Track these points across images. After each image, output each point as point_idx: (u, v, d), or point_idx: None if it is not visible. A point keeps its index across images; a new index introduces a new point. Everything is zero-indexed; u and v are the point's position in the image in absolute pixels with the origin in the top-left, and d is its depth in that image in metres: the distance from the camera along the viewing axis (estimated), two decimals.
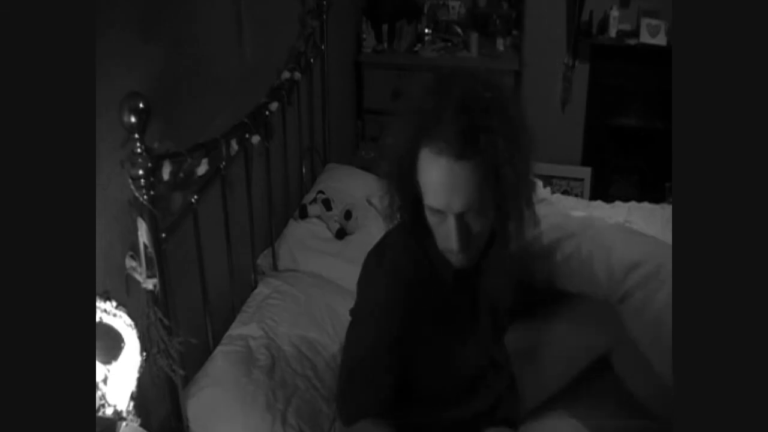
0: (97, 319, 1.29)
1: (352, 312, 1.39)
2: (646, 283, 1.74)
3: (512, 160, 1.12)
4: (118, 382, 1.33)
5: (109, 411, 1.31)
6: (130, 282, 1.49)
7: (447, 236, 1.17)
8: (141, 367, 1.38)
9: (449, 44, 3.60)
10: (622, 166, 3.81)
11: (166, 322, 1.48)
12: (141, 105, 1.31)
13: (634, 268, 1.76)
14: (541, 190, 2.37)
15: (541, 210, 2.03)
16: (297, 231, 2.46)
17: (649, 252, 1.79)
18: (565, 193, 3.56)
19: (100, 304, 1.31)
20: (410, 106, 1.17)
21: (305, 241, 2.42)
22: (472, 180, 1.11)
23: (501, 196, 1.16)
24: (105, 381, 1.30)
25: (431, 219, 1.19)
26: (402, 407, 1.40)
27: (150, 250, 1.45)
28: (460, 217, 1.15)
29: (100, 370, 1.29)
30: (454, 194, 1.12)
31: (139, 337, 1.38)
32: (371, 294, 1.33)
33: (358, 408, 1.31)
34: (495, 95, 1.14)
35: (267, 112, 2.11)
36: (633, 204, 2.72)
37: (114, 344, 1.32)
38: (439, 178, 1.12)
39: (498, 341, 1.55)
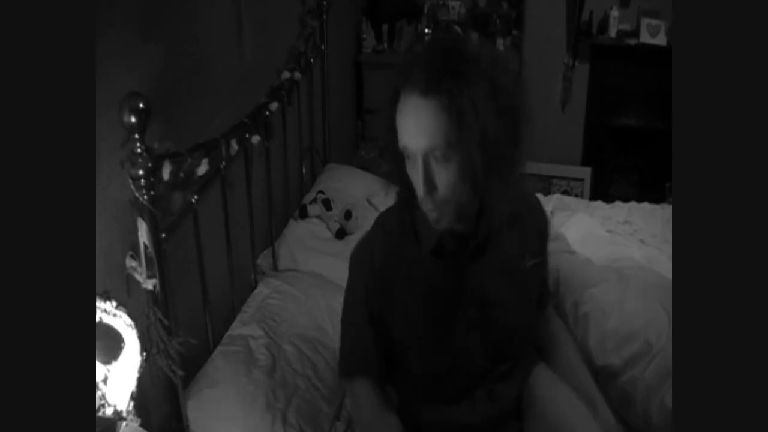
0: (97, 319, 1.29)
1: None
2: (635, 361, 1.82)
3: (478, 111, 1.15)
4: (118, 382, 1.33)
5: (109, 411, 1.31)
6: (130, 282, 1.49)
7: (418, 182, 1.22)
8: (141, 367, 1.38)
9: None
10: (622, 166, 3.81)
11: (166, 322, 1.48)
12: (141, 105, 1.31)
13: (626, 341, 1.84)
14: (564, 240, 2.32)
15: (561, 261, 2.04)
16: (297, 231, 2.46)
17: (645, 324, 1.85)
18: (565, 193, 3.56)
19: (100, 304, 1.31)
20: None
21: (305, 241, 2.42)
22: (435, 118, 1.16)
23: (468, 149, 1.18)
24: (105, 381, 1.30)
25: (409, 170, 1.25)
26: (406, 401, 1.51)
27: (150, 250, 1.45)
28: (425, 159, 1.20)
29: (100, 370, 1.29)
30: (418, 131, 1.18)
31: (139, 337, 1.38)
32: (354, 257, 1.44)
33: (348, 363, 1.48)
34: (473, 52, 1.19)
35: (267, 112, 2.11)
36: (633, 204, 2.72)
37: (114, 344, 1.32)
38: (406, 116, 1.20)
39: (495, 357, 1.47)
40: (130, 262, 1.48)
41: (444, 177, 1.21)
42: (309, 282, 2.18)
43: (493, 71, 1.19)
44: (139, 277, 1.47)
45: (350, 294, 1.45)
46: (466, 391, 1.48)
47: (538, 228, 1.50)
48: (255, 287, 2.14)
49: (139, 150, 1.36)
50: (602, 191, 3.68)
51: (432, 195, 1.22)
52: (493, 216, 1.34)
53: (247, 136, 1.96)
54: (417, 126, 1.18)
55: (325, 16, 2.71)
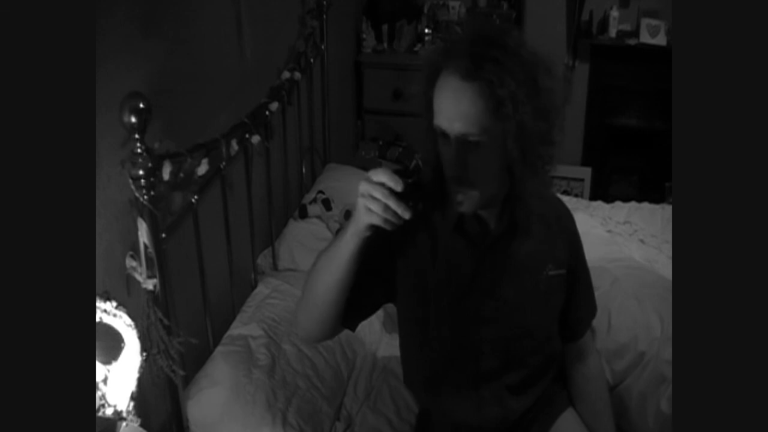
0: (97, 319, 1.29)
1: None
2: (629, 371, 1.86)
3: (516, 100, 1.17)
4: (118, 382, 1.33)
5: (109, 411, 1.31)
6: (130, 282, 1.49)
7: (449, 162, 1.24)
8: (141, 367, 1.38)
9: None
10: (622, 166, 3.81)
11: (166, 322, 1.48)
12: (141, 105, 1.31)
13: (618, 355, 1.87)
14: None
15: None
16: (297, 231, 2.46)
17: (636, 335, 1.87)
18: (565, 193, 3.56)
19: (100, 304, 1.31)
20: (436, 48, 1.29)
21: (305, 241, 2.42)
22: (474, 102, 1.17)
23: (503, 139, 1.20)
24: (105, 381, 1.30)
25: (441, 147, 1.26)
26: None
27: (150, 250, 1.45)
28: (459, 142, 1.21)
29: (100, 370, 1.29)
30: (455, 113, 1.19)
31: (139, 337, 1.38)
32: None
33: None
34: (515, 46, 1.20)
35: (267, 112, 2.11)
36: (633, 204, 2.73)
37: (114, 344, 1.32)
38: (445, 96, 1.21)
39: (505, 358, 1.45)
40: (130, 262, 1.48)
41: (475, 162, 1.22)
42: None
43: (535, 71, 1.20)
44: (139, 277, 1.47)
45: (375, 249, 1.38)
46: (472, 388, 1.47)
47: (568, 239, 1.47)
48: (255, 287, 2.14)
49: (139, 150, 1.36)
50: (602, 191, 3.68)
51: (460, 178, 1.24)
52: (520, 210, 1.34)
53: (247, 136, 1.96)
54: (455, 109, 1.19)
55: (325, 16, 2.71)
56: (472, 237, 1.36)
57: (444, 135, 1.23)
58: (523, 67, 1.19)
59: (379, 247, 1.37)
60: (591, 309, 1.62)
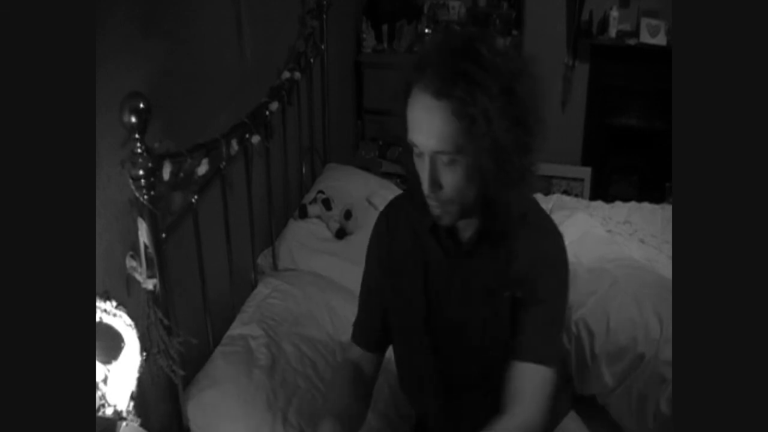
0: (97, 319, 1.29)
1: None
2: (628, 373, 1.86)
3: (489, 117, 1.14)
4: (118, 382, 1.33)
5: (109, 411, 1.31)
6: (130, 282, 1.49)
7: (424, 179, 1.23)
8: (141, 367, 1.38)
9: None
10: (622, 166, 3.81)
11: (166, 322, 1.48)
12: (141, 105, 1.31)
13: (617, 357, 1.88)
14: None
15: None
16: (297, 231, 2.46)
17: (635, 337, 1.87)
18: (565, 193, 3.56)
19: (100, 304, 1.31)
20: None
21: (305, 241, 2.42)
22: (446, 122, 1.15)
23: (477, 156, 1.18)
24: (105, 381, 1.30)
25: (416, 162, 1.25)
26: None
27: (150, 250, 1.45)
28: (432, 159, 1.20)
29: (100, 370, 1.29)
30: (428, 131, 1.18)
31: (139, 337, 1.38)
32: (374, 227, 1.49)
33: (354, 330, 1.54)
34: (493, 57, 1.16)
35: (267, 112, 2.11)
36: (633, 204, 2.73)
37: (114, 344, 1.32)
38: (417, 114, 1.19)
39: (477, 368, 1.40)
40: (130, 262, 1.48)
41: (450, 178, 1.21)
42: (309, 281, 2.18)
43: (512, 79, 1.17)
44: (139, 277, 1.47)
45: (367, 263, 1.49)
46: (454, 397, 1.45)
47: (535, 266, 1.31)
48: (255, 287, 2.14)
49: (139, 150, 1.36)
50: (602, 191, 3.68)
51: (436, 193, 1.22)
52: (495, 223, 1.30)
53: (247, 136, 1.96)
54: (427, 127, 1.18)
55: (325, 16, 2.71)
56: (444, 247, 1.36)
57: (418, 152, 1.21)
58: (499, 78, 1.15)
59: (372, 265, 1.46)
60: (536, 345, 1.30)
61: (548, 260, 1.33)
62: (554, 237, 1.35)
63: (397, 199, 1.50)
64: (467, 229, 1.34)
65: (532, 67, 1.22)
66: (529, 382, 1.29)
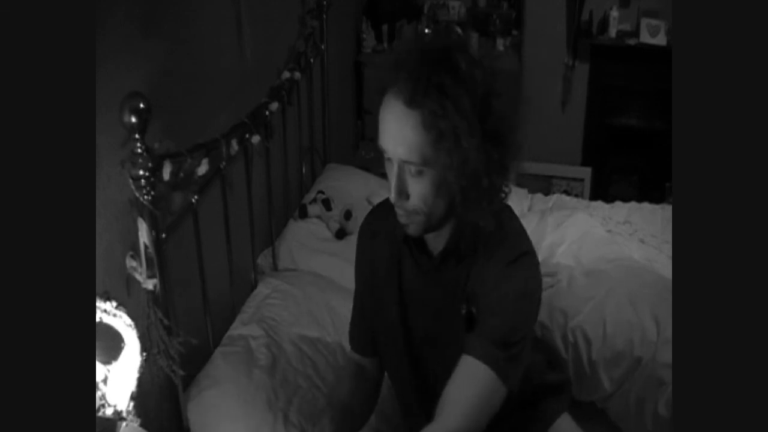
0: (97, 319, 1.29)
1: None
2: (626, 377, 1.87)
3: (458, 134, 1.11)
4: (118, 382, 1.32)
5: (109, 411, 1.31)
6: (130, 282, 1.49)
7: (391, 185, 1.21)
8: (141, 367, 1.38)
9: None
10: (622, 166, 3.81)
11: (166, 322, 1.48)
12: (141, 105, 1.31)
13: (615, 363, 1.88)
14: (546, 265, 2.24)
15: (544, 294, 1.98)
16: (297, 231, 2.46)
17: (631, 341, 1.88)
18: (565, 193, 3.56)
19: (100, 304, 1.31)
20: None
21: (305, 241, 2.42)
22: (415, 132, 1.13)
23: (444, 172, 1.15)
24: (105, 381, 1.30)
25: (386, 167, 1.23)
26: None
27: (150, 250, 1.45)
28: (400, 167, 1.18)
29: (100, 370, 1.29)
30: (396, 139, 1.16)
31: (139, 337, 1.38)
32: (358, 236, 1.50)
33: (350, 339, 1.56)
34: (468, 67, 1.13)
35: (267, 112, 2.11)
36: (633, 204, 2.73)
37: (114, 344, 1.31)
38: (388, 120, 1.17)
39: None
40: (130, 262, 1.48)
41: (417, 189, 1.19)
42: (309, 281, 2.18)
43: (489, 95, 1.14)
44: (139, 277, 1.47)
45: (356, 273, 1.50)
46: (436, 404, 1.29)
47: (487, 283, 1.25)
48: (255, 287, 2.14)
49: (139, 150, 1.36)
50: (602, 191, 3.68)
51: (402, 202, 1.21)
52: (463, 239, 1.27)
53: (247, 136, 1.96)
54: (395, 134, 1.16)
55: (325, 16, 2.71)
56: (416, 259, 1.34)
57: (388, 156, 1.20)
58: (475, 93, 1.12)
59: (361, 270, 1.46)
60: (483, 344, 1.23)
61: (507, 278, 1.24)
62: (519, 255, 1.25)
63: (380, 204, 1.46)
64: (438, 242, 1.31)
65: (514, 83, 1.19)
66: (465, 379, 1.22)
